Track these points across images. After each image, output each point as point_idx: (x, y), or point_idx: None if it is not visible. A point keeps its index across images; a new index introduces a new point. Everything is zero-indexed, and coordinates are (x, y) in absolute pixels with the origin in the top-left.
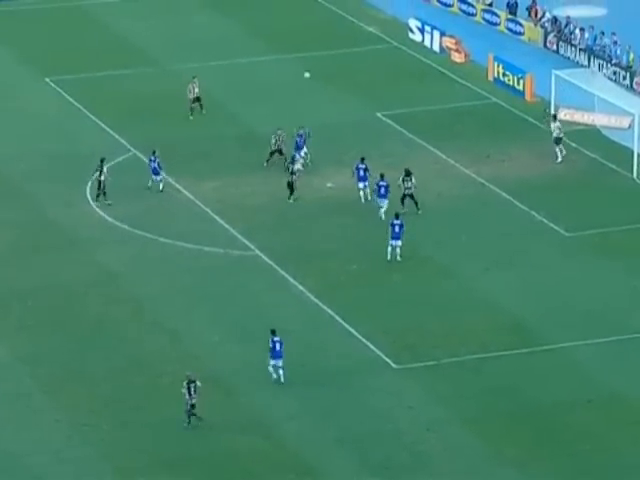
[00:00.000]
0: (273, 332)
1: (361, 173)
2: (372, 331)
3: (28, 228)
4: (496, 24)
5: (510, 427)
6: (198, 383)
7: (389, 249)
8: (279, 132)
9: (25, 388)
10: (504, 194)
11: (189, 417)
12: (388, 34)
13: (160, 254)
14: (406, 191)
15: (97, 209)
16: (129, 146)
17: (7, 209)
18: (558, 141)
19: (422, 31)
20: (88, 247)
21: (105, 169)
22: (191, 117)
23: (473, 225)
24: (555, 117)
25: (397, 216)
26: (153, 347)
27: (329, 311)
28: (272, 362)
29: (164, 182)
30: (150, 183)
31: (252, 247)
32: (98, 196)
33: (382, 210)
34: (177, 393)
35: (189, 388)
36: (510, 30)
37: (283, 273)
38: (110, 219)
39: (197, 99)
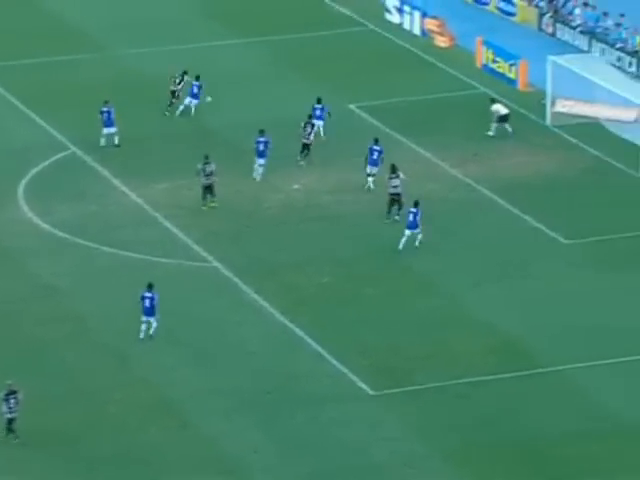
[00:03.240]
0: (150, 286)
1: (374, 156)
2: (345, 353)
3: None
4: (485, 4)
5: (502, 462)
6: (20, 396)
7: (403, 239)
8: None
9: None
10: (495, 197)
11: (8, 432)
12: (362, 15)
13: (105, 265)
14: (392, 190)
15: (31, 214)
16: (68, 143)
17: None
18: (499, 119)
19: (401, 12)
20: (21, 258)
21: (213, 166)
22: (167, 113)
23: (459, 232)
24: (493, 100)
25: (416, 204)
26: (98, 371)
27: (297, 330)
28: (144, 318)
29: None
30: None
31: (209, 258)
32: (205, 197)
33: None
34: (126, 423)
35: (7, 400)
36: (501, 10)
37: (245, 287)
38: (46, 226)
39: (173, 93)
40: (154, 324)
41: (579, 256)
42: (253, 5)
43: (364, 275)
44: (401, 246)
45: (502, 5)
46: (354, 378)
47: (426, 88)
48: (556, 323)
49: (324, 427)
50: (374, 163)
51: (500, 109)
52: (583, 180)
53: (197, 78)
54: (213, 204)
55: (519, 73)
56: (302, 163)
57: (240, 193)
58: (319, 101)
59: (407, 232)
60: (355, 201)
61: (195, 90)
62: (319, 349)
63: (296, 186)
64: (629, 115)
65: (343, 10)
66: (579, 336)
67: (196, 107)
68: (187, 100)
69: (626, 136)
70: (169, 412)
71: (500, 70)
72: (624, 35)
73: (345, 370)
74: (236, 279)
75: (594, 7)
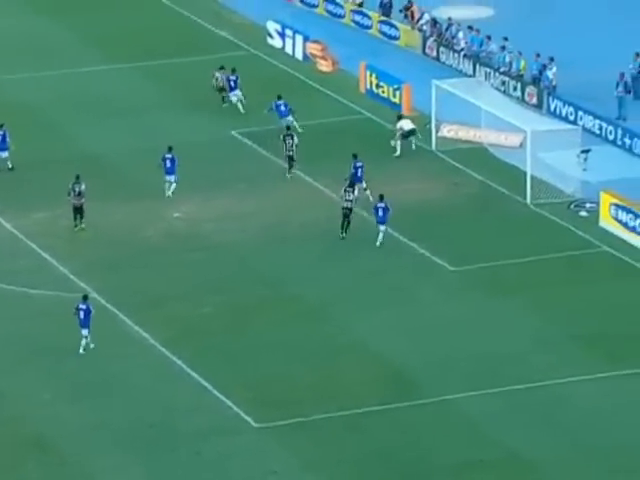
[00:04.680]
0: (85, 297)
1: (359, 173)
2: (228, 384)
3: None
4: (368, 27)
5: None
6: None
7: (379, 235)
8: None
9: None
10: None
11: None
12: (243, 39)
13: None
14: (345, 204)
15: None
16: None
17: None
18: (404, 136)
19: (282, 36)
20: None
21: (83, 186)
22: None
23: (345, 259)
24: (400, 117)
25: (381, 198)
26: None
27: (178, 362)
28: (83, 332)
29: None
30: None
31: (88, 288)
32: (76, 218)
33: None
34: (1, 461)
35: None
36: (384, 34)
37: (124, 318)
38: None
39: (222, 90)
40: (88, 338)
41: (465, 283)
42: (133, 30)
43: (248, 304)
44: (378, 243)
45: (385, 29)
46: (238, 410)
47: (309, 113)
48: (443, 351)
49: (207, 461)
50: (360, 180)
51: (404, 125)
52: (468, 206)
53: (233, 71)
54: (82, 226)
55: (403, 98)
56: (289, 176)
57: (120, 222)
58: (279, 97)
59: (381, 227)
60: (238, 229)
61: (232, 84)
62: (202, 381)
63: (177, 214)
64: (514, 140)
65: (224, 34)
66: (467, 364)
67: (239, 99)
68: (232, 95)
69: (511, 161)
70: (47, 449)
71: (384, 95)
72: (508, 59)
73: (229, 402)
74: (116, 310)
75: (478, 31)
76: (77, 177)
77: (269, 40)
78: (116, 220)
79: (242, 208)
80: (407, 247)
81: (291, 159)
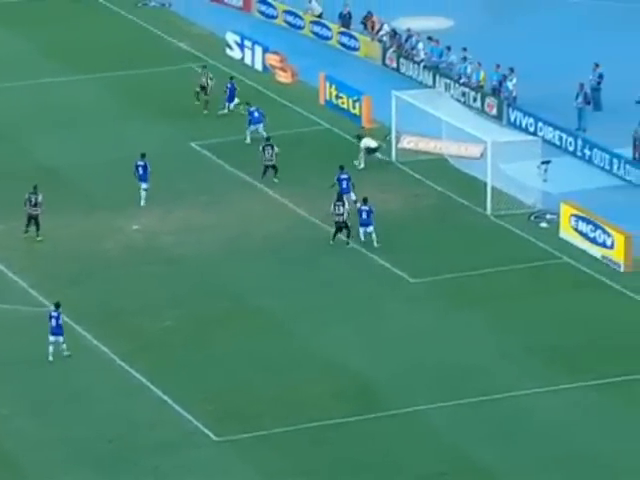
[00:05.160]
0: (57, 305)
1: (344, 185)
2: (188, 398)
3: None
4: (327, 38)
5: None
6: None
7: (361, 233)
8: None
9: None
10: (341, 235)
11: None
12: (202, 50)
13: None
14: (335, 217)
15: None
16: None
17: None
18: (369, 151)
19: (241, 47)
20: None
21: (40, 197)
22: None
23: (307, 271)
24: (360, 137)
25: (365, 201)
26: None
27: (137, 376)
28: (52, 339)
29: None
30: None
31: (46, 302)
32: (28, 226)
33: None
34: None
35: None
36: (344, 45)
37: (83, 332)
38: None
39: (203, 88)
40: (63, 345)
41: (426, 295)
42: (92, 41)
43: (210, 318)
44: (363, 238)
45: (344, 40)
46: (197, 424)
47: (269, 125)
48: (406, 363)
49: (167, 476)
50: (347, 191)
51: (369, 142)
52: (429, 217)
53: (231, 78)
54: (39, 239)
55: (363, 109)
56: (275, 180)
57: (78, 234)
58: (248, 104)
59: (361, 230)
60: (197, 242)
61: (230, 93)
62: (162, 395)
63: (135, 227)
64: (474, 151)
65: (181, 45)
66: (430, 376)
67: (235, 106)
68: (229, 105)
69: (471, 172)
70: (5, 464)
71: (344, 106)
72: (468, 70)
73: (189, 416)
74: (74, 324)
75: (437, 41)
76: (34, 187)
77: (228, 51)
78: (74, 232)
79: (203, 220)
80: (368, 259)
81: (272, 167)
